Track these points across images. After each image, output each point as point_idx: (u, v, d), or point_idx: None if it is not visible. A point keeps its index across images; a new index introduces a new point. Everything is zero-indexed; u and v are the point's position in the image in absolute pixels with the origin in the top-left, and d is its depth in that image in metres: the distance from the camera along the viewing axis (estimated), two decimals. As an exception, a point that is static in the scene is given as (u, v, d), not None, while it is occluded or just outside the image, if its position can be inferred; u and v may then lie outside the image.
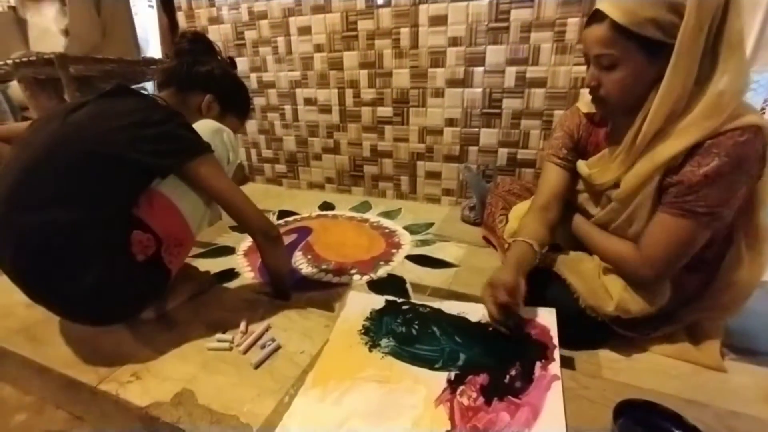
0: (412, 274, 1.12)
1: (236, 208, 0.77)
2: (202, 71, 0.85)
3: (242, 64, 1.82)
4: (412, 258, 1.21)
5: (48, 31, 1.96)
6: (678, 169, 0.63)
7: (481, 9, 1.33)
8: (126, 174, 0.67)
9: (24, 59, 1.63)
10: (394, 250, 1.27)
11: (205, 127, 0.79)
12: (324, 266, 1.17)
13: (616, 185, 0.72)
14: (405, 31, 1.46)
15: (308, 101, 1.75)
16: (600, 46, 0.63)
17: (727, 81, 0.59)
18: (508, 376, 0.62)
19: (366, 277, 1.11)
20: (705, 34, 0.57)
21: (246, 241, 1.37)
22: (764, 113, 1.14)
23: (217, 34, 1.82)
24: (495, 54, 1.37)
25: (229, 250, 1.27)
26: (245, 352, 0.71)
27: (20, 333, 0.79)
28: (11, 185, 0.64)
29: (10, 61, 1.65)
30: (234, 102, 0.92)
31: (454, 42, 1.41)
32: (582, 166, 0.80)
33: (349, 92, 1.65)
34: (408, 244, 1.31)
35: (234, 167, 0.86)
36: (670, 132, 0.63)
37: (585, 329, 0.78)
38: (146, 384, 0.65)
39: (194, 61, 0.85)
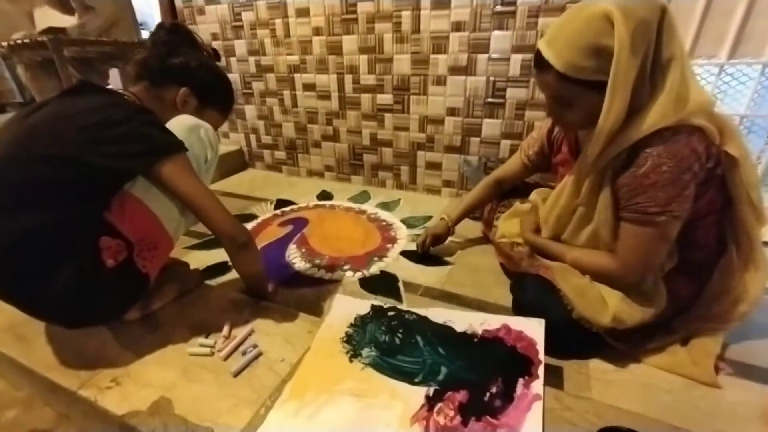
0: (406, 272, 1.10)
1: (203, 212, 0.72)
2: (177, 62, 0.79)
3: (240, 47, 1.77)
4: (406, 254, 1.19)
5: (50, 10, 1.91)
6: (622, 171, 0.68)
7: (486, -9, 1.25)
8: (88, 177, 0.63)
9: (19, 41, 1.60)
10: (389, 245, 1.24)
11: (179, 123, 0.74)
12: (317, 261, 1.16)
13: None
14: (406, 15, 1.39)
15: (307, 87, 1.70)
16: (552, 90, 0.69)
17: (667, 94, 0.62)
18: (488, 394, 0.61)
19: (359, 274, 1.09)
20: (639, 66, 0.61)
21: (241, 233, 1.36)
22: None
23: (214, 15, 1.76)
24: (500, 40, 1.30)
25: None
26: (226, 358, 0.71)
27: (7, 331, 0.79)
28: None
29: (5, 44, 1.63)
30: (213, 95, 0.86)
31: (458, 27, 1.33)
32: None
33: (348, 78, 1.59)
34: (404, 238, 1.29)
35: (213, 165, 0.82)
36: (621, 135, 0.66)
37: (577, 339, 0.76)
38: (125, 390, 0.65)
39: (168, 52, 0.79)
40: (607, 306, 0.73)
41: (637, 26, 0.59)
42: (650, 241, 0.69)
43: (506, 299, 0.94)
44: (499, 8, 1.26)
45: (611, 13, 0.59)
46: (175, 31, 0.82)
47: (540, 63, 0.67)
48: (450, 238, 1.25)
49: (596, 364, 0.76)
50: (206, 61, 0.85)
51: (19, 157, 0.63)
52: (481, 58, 1.35)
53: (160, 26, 0.83)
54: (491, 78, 1.36)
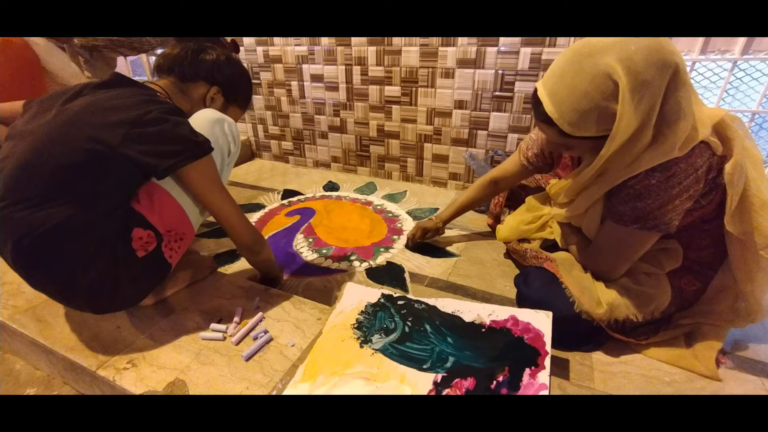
0: (411, 263, 1.12)
1: (226, 222, 0.77)
2: (208, 61, 0.82)
3: (248, 37, 1.77)
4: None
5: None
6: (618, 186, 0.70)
7: (497, -17, 1.25)
8: (122, 172, 0.65)
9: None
10: (395, 237, 1.26)
11: (205, 117, 0.75)
12: (324, 250, 1.18)
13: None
14: (416, 6, 1.38)
15: (315, 78, 1.70)
16: (552, 139, 0.70)
17: (671, 143, 0.63)
18: (495, 382, 0.62)
19: (365, 264, 1.11)
20: (642, 121, 0.61)
21: (252, 219, 1.38)
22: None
23: (222, 4, 1.76)
24: (510, 33, 1.29)
25: (232, 231, 1.29)
26: (238, 343, 0.73)
27: (27, 313, 0.82)
28: (7, 180, 0.63)
29: (16, 30, 1.64)
30: (238, 93, 0.88)
31: (467, 19, 1.33)
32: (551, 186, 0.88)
33: (356, 69, 1.59)
34: (410, 230, 1.30)
35: (235, 158, 0.84)
36: (615, 172, 0.68)
37: (580, 332, 0.78)
38: (142, 371, 0.67)
39: (198, 48, 0.82)
40: (600, 299, 0.75)
41: (644, 91, 0.59)
42: (619, 245, 0.74)
43: (511, 291, 0.95)
44: (509, 0, 1.26)
45: (617, 75, 0.58)
46: None
47: (541, 114, 0.67)
48: (457, 231, 1.27)
49: (599, 357, 0.78)
50: (231, 56, 0.86)
51: (57, 147, 0.63)
52: (490, 51, 1.34)
53: None
54: (500, 71, 1.36)
